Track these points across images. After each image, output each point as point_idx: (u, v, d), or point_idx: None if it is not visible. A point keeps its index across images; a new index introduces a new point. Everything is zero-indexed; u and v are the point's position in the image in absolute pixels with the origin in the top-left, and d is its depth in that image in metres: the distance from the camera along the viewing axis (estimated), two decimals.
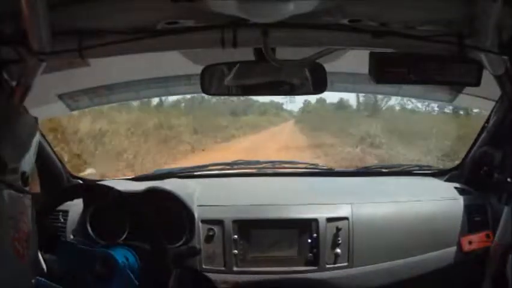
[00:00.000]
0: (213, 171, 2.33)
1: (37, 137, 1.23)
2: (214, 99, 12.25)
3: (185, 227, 1.88)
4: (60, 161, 2.09)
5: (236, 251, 1.86)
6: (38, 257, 1.37)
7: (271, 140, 11.76)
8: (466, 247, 1.90)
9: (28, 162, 1.17)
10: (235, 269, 1.86)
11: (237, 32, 1.27)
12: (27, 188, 1.17)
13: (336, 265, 1.86)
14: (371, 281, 1.88)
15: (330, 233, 1.86)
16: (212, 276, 1.84)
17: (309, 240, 1.86)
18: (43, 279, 1.38)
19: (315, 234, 1.86)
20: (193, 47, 1.39)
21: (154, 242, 1.50)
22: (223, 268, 1.86)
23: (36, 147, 1.22)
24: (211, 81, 1.56)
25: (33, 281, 1.23)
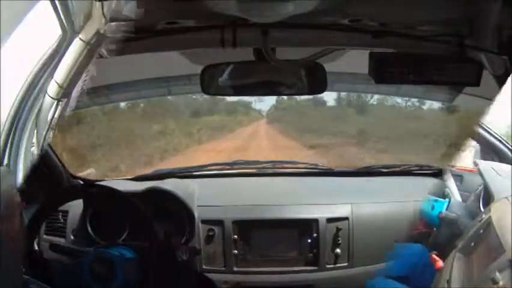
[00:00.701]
0: (213, 171, 2.33)
1: None
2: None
3: (185, 227, 1.88)
4: (60, 161, 2.09)
5: (236, 251, 1.86)
6: (22, 254, 1.37)
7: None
8: None
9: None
10: (235, 269, 1.86)
11: (237, 32, 1.27)
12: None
13: (336, 265, 1.87)
14: None
15: (330, 233, 1.86)
16: (212, 276, 1.84)
17: (309, 241, 1.86)
18: (29, 277, 1.38)
19: (315, 235, 1.86)
20: (193, 47, 1.39)
21: (154, 242, 1.50)
22: (223, 268, 1.86)
23: None
24: (211, 81, 1.56)
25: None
